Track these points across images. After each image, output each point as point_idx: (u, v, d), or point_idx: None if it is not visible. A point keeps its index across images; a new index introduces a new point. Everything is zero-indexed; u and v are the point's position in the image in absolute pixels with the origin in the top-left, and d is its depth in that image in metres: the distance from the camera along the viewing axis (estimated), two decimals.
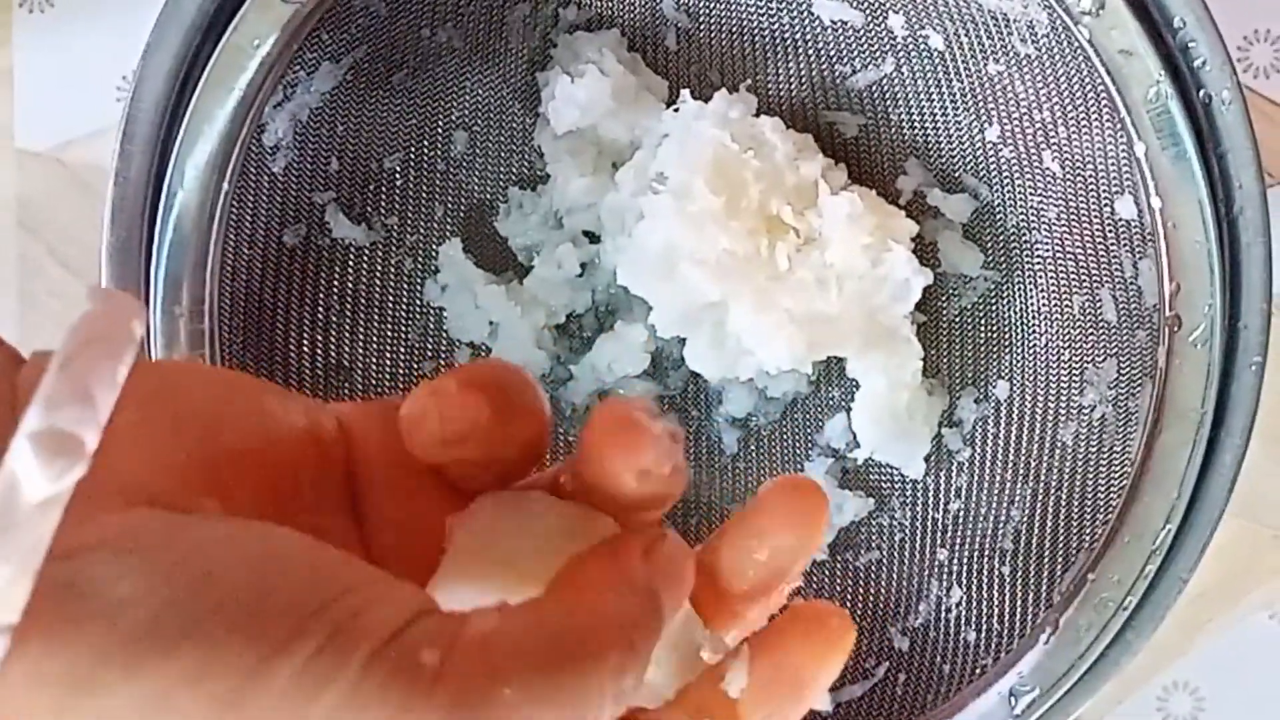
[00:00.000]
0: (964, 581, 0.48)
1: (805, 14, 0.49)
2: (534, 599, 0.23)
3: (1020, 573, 0.47)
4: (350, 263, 0.49)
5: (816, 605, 0.25)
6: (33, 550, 0.19)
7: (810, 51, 0.50)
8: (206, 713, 0.19)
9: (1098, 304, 0.47)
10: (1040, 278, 0.49)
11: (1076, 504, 0.47)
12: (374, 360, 0.49)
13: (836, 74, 0.50)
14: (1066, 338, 0.48)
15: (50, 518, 0.19)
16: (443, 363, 0.50)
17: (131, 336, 0.20)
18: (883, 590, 0.49)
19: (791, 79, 0.50)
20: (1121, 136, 0.44)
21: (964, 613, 0.48)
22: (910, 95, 0.49)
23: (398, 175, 0.49)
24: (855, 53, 0.49)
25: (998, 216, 0.50)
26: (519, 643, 0.21)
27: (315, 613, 0.20)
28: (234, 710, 0.19)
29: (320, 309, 0.48)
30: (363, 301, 0.49)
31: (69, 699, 0.19)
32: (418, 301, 0.50)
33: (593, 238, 0.50)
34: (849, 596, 0.50)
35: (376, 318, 0.49)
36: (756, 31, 0.50)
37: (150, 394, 0.22)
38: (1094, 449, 0.47)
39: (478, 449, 0.24)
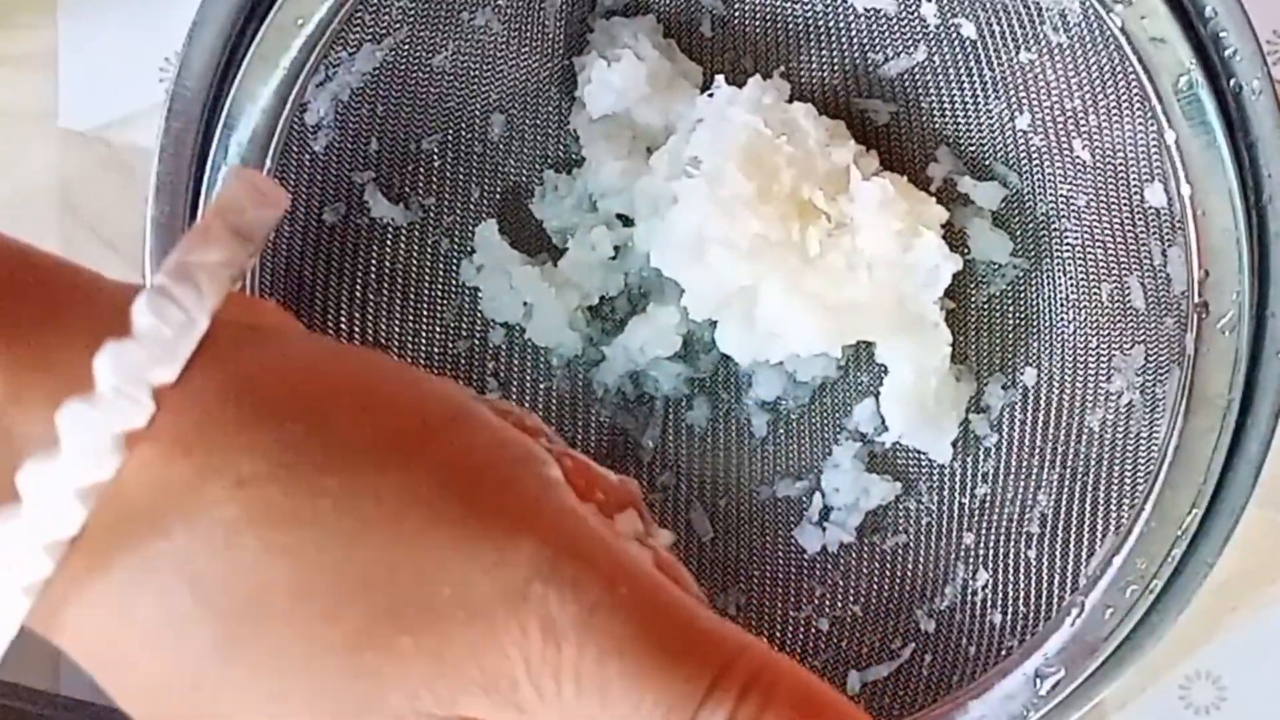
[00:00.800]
0: (990, 565, 0.49)
1: (838, 2, 0.50)
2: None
3: (1046, 557, 0.48)
4: (388, 242, 0.50)
5: None
6: (235, 262, 0.21)
7: (843, 39, 0.50)
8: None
9: (1126, 291, 0.48)
10: (1069, 265, 0.49)
11: (1103, 489, 0.47)
12: (409, 339, 0.50)
13: (869, 62, 0.50)
14: (1095, 325, 0.49)
15: (247, 250, 0.22)
16: (477, 342, 0.51)
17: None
18: (909, 573, 0.50)
19: (824, 66, 0.51)
20: (1152, 125, 0.45)
21: (990, 596, 0.48)
22: (942, 83, 0.50)
23: (435, 156, 0.50)
24: (888, 41, 0.50)
25: (1027, 204, 0.50)
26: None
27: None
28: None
29: (358, 287, 0.49)
30: (399, 280, 0.50)
31: (246, 415, 0.20)
32: (453, 281, 0.51)
33: (626, 221, 0.51)
34: (876, 579, 0.50)
35: (413, 297, 0.50)
36: (790, 19, 0.51)
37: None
38: (1121, 435, 0.47)
39: None
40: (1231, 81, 0.44)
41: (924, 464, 0.51)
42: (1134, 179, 0.47)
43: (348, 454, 0.20)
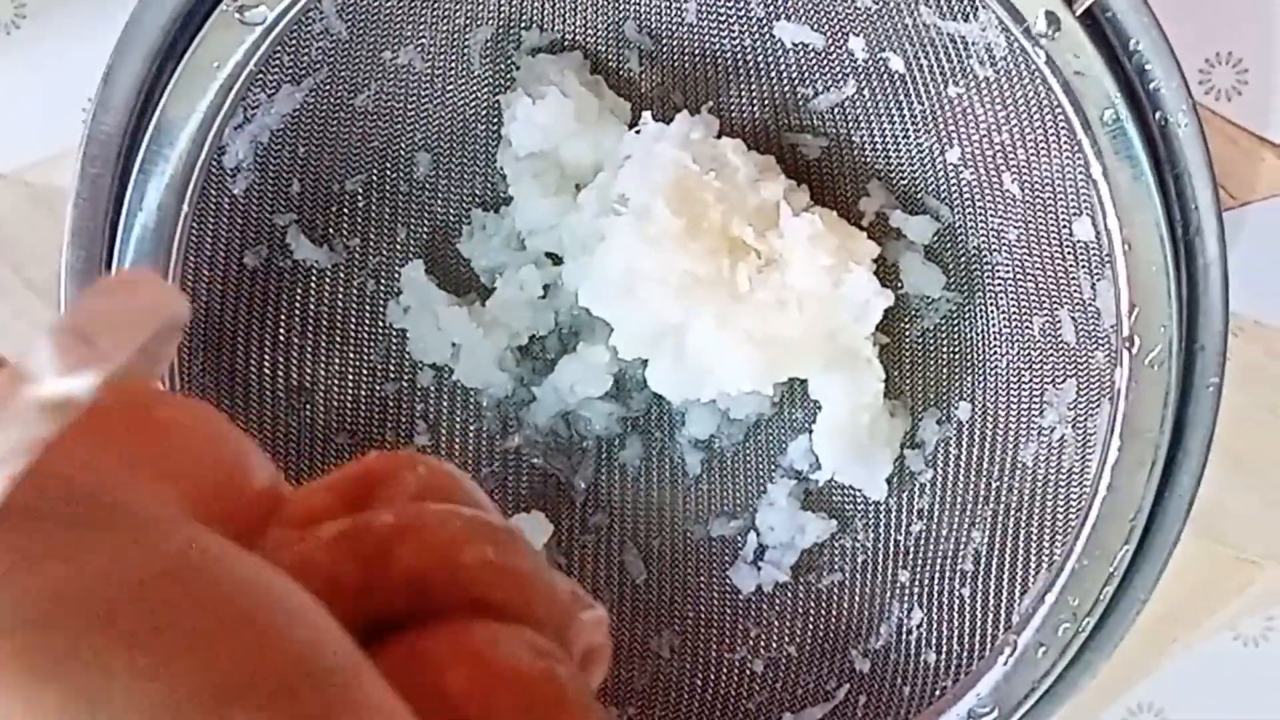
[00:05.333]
0: (925, 603, 0.48)
1: (767, 36, 0.49)
2: None
3: (980, 594, 0.47)
4: (312, 284, 0.49)
5: None
6: (20, 448, 0.16)
7: (772, 73, 0.50)
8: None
9: (1057, 325, 0.47)
10: (1001, 299, 0.49)
11: (1036, 525, 0.47)
12: (335, 382, 0.49)
13: (798, 96, 0.50)
14: (1027, 358, 0.48)
15: (46, 424, 0.17)
16: (405, 384, 0.50)
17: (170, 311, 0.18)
18: (844, 612, 0.50)
19: (754, 101, 0.51)
20: (1079, 158, 0.44)
21: (924, 634, 0.48)
22: (872, 117, 0.50)
23: (360, 197, 0.49)
24: (817, 75, 0.50)
25: (959, 238, 0.50)
26: None
27: (299, 678, 0.17)
28: None
29: (282, 330, 0.48)
30: (324, 323, 0.49)
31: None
32: (380, 323, 0.50)
33: (555, 259, 0.50)
34: (811, 618, 0.50)
35: (339, 339, 0.49)
36: (719, 54, 0.50)
37: (147, 427, 0.20)
38: (1054, 470, 0.47)
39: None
40: (1157, 114, 0.44)
41: (859, 501, 0.50)
42: (1063, 213, 0.46)
43: None
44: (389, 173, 0.50)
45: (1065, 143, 0.45)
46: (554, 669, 0.19)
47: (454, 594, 0.19)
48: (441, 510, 0.20)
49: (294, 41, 0.45)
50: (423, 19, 0.47)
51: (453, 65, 0.49)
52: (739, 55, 0.50)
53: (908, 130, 0.50)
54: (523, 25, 0.49)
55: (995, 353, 0.49)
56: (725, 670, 0.49)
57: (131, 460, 0.18)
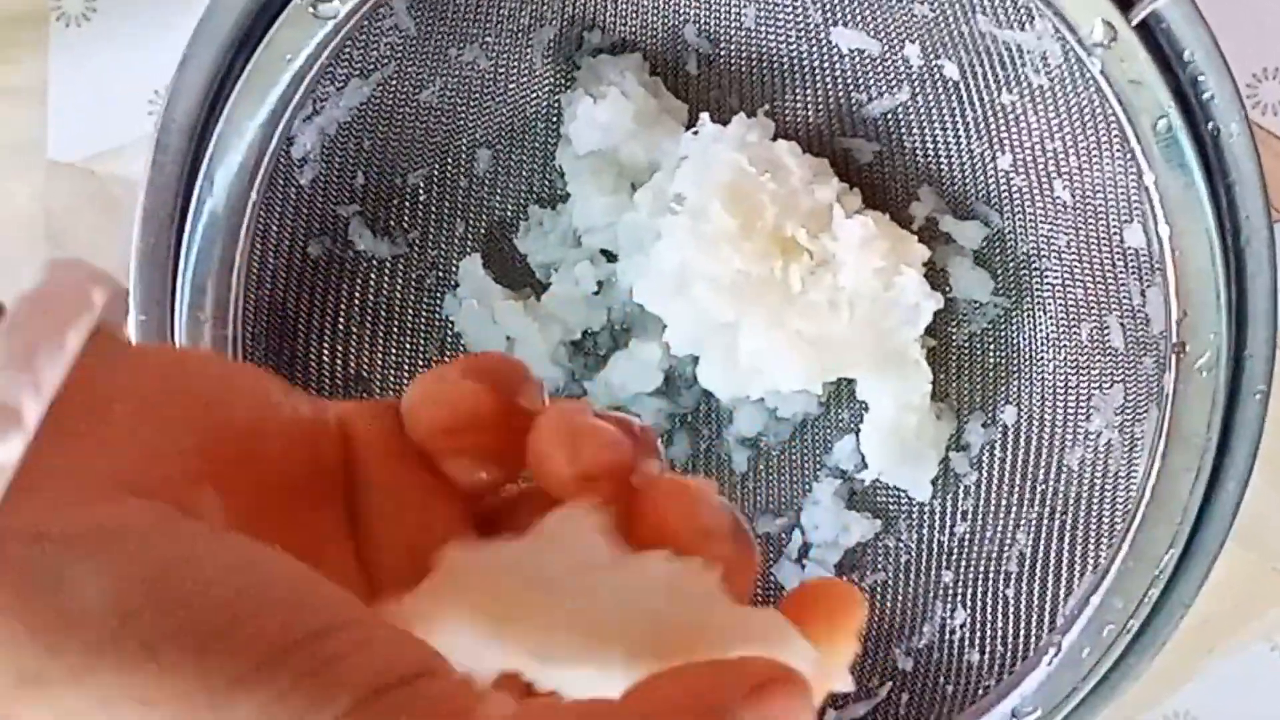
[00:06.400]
0: (968, 603, 0.49)
1: (823, 42, 0.50)
2: (595, 702, 0.20)
3: (1024, 596, 0.48)
4: (372, 275, 0.50)
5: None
6: None
7: (828, 78, 0.51)
8: None
9: (1105, 331, 0.48)
10: (1049, 304, 0.50)
11: (1081, 529, 0.47)
12: (392, 372, 0.50)
13: (853, 101, 0.51)
14: (1074, 364, 0.49)
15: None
16: None
17: (88, 304, 0.20)
18: (888, 611, 0.50)
19: (809, 105, 0.51)
20: (1131, 166, 0.45)
21: (968, 634, 0.48)
22: (925, 123, 0.50)
23: (421, 191, 0.50)
24: (872, 81, 0.50)
25: (1009, 243, 0.50)
26: None
27: (292, 645, 0.18)
28: None
29: (341, 319, 0.49)
30: (383, 314, 0.50)
31: (11, 688, 0.18)
32: (437, 315, 0.51)
33: (610, 256, 0.51)
34: None
35: (396, 330, 0.50)
36: (775, 58, 0.51)
37: (153, 381, 0.22)
38: (1099, 474, 0.48)
39: (479, 438, 0.23)
40: (1210, 124, 0.44)
41: (904, 502, 0.51)
42: (1113, 220, 0.47)
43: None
44: (450, 168, 0.51)
45: (1117, 151, 0.46)
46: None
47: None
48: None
49: (364, 36, 0.46)
50: (489, 18, 0.48)
51: (516, 64, 0.50)
52: (796, 60, 0.51)
53: (960, 136, 0.50)
54: (585, 26, 0.50)
55: (1042, 357, 0.50)
56: None
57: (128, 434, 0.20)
